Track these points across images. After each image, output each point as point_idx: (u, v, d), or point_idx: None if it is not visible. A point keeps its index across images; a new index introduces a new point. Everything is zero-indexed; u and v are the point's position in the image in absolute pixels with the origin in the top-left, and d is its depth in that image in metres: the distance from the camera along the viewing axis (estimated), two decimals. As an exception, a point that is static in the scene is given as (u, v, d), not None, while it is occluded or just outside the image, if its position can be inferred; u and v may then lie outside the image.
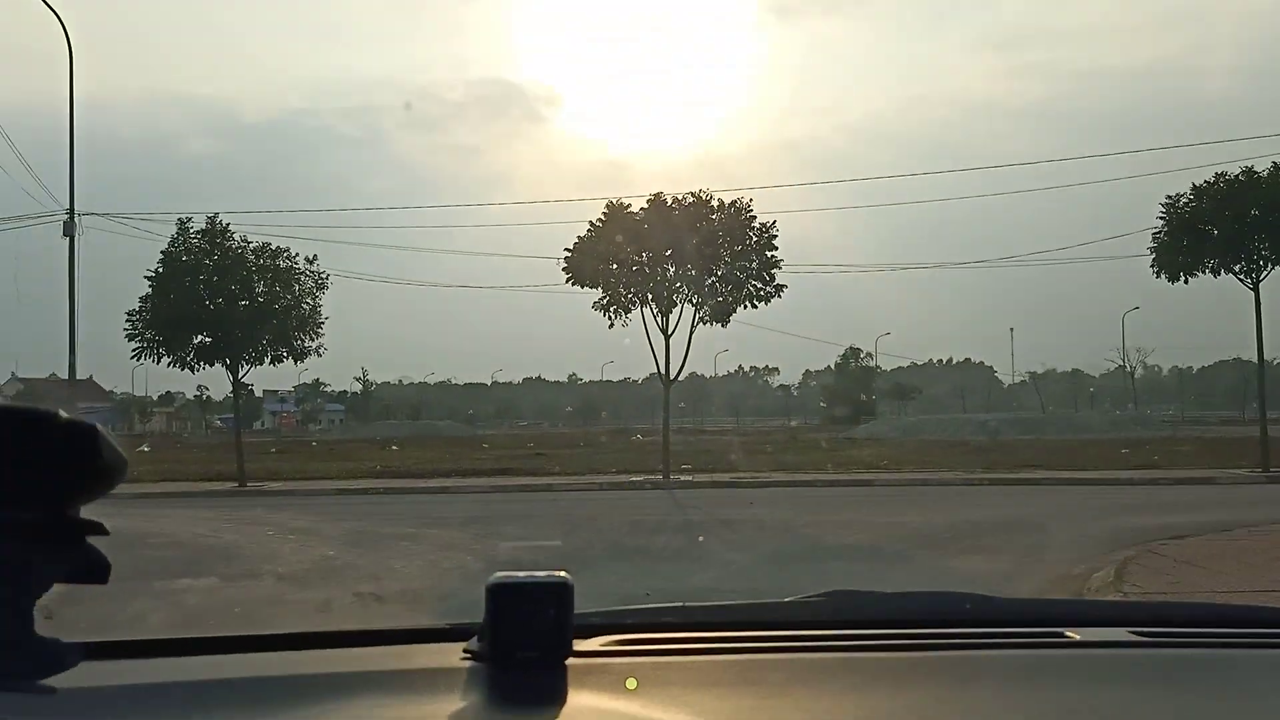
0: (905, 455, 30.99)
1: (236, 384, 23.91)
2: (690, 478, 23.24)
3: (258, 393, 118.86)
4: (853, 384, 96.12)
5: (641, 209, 22.91)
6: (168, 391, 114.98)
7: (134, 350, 22.62)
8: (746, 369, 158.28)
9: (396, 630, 1.48)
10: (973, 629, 1.49)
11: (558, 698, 1.19)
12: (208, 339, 23.02)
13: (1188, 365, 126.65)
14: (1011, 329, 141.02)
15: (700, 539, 12.99)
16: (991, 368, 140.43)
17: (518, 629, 1.23)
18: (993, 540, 12.42)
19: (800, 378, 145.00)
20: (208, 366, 23.22)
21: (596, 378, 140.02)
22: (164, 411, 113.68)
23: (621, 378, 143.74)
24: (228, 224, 22.93)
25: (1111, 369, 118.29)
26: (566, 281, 23.01)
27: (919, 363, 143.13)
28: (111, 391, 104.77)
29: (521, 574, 1.25)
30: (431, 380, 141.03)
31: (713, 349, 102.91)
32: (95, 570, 0.94)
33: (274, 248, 23.32)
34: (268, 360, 23.79)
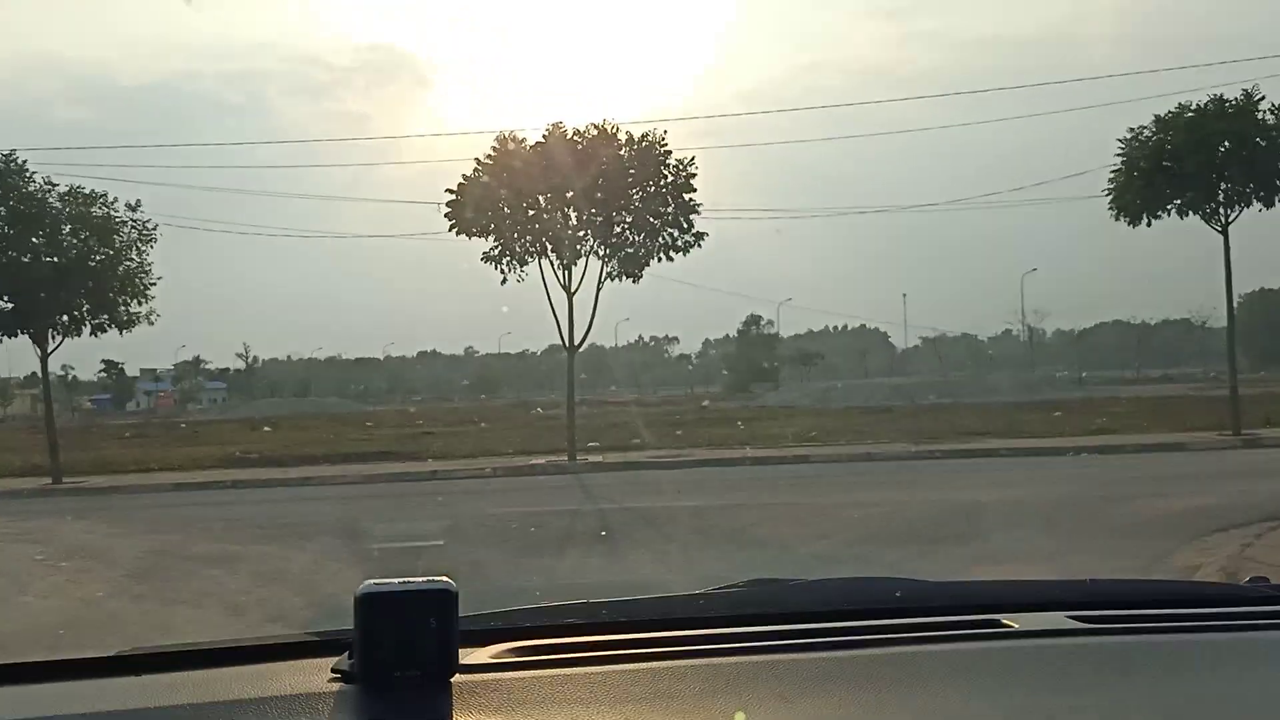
0: (830, 425, 28.23)
1: (44, 359, 19.55)
2: (600, 458, 19.94)
3: (132, 371, 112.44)
4: (755, 351, 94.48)
5: (538, 142, 19.35)
6: (33, 372, 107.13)
7: (-92, 317, 18.21)
8: (646, 339, 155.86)
9: (252, 645, 1.27)
10: (905, 619, 1.38)
11: None
12: (6, 304, 18.73)
13: (1070, 328, 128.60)
14: (904, 294, 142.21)
15: (630, 555, 9.55)
16: (885, 333, 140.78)
17: (394, 645, 1.07)
18: (1007, 541, 9.45)
19: (700, 346, 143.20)
20: (8, 338, 18.92)
21: (494, 350, 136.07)
22: (28, 393, 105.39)
23: (520, 350, 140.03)
24: (24, 161, 18.56)
25: (999, 333, 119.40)
26: (450, 229, 19.32)
27: (815, 330, 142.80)
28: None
29: (396, 581, 1.09)
30: (321, 356, 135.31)
31: (613, 317, 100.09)
32: None
33: (88, 192, 19.03)
34: (86, 331, 19.58)
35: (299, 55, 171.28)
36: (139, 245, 19.08)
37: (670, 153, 19.65)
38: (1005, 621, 1.36)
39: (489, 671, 1.17)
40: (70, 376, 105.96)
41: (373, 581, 1.08)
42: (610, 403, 60.44)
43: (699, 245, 19.97)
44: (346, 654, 1.13)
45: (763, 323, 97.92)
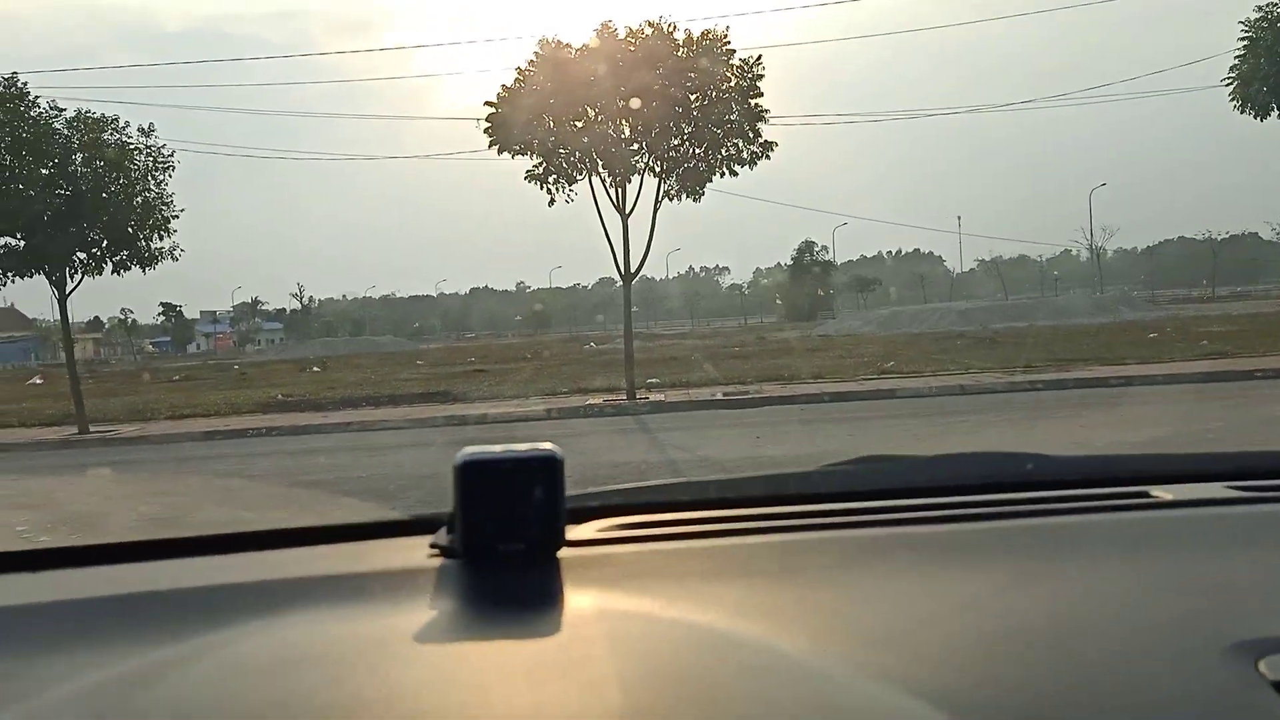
0: (904, 353, 26.19)
1: (62, 301, 18.12)
2: (662, 396, 18.19)
3: (191, 313, 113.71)
4: (810, 278, 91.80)
5: (585, 46, 17.31)
6: (96, 316, 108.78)
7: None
8: (697, 269, 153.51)
9: (337, 526, 1.22)
10: (1040, 492, 1.25)
11: (551, 597, 0.98)
12: (18, 241, 17.29)
13: (1131, 246, 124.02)
14: (959, 216, 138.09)
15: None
16: (940, 257, 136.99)
17: (497, 516, 1.01)
18: None
19: (751, 276, 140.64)
20: (20, 279, 17.53)
21: (545, 284, 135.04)
22: (90, 338, 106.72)
23: (571, 283, 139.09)
24: (26, 84, 16.95)
25: (1057, 253, 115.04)
26: (490, 146, 17.44)
27: (868, 255, 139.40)
28: (36, 320, 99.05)
29: (497, 449, 1.02)
30: (375, 294, 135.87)
31: (663, 248, 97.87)
32: None
33: (96, 116, 17.44)
34: (108, 269, 18.14)
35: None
36: (154, 174, 17.49)
37: (734, 52, 17.50)
38: (1155, 493, 1.23)
39: (598, 545, 1.10)
40: (130, 320, 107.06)
41: (472, 449, 1.01)
42: (664, 335, 58.76)
43: (767, 157, 17.90)
44: (445, 529, 1.08)
45: (816, 249, 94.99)
